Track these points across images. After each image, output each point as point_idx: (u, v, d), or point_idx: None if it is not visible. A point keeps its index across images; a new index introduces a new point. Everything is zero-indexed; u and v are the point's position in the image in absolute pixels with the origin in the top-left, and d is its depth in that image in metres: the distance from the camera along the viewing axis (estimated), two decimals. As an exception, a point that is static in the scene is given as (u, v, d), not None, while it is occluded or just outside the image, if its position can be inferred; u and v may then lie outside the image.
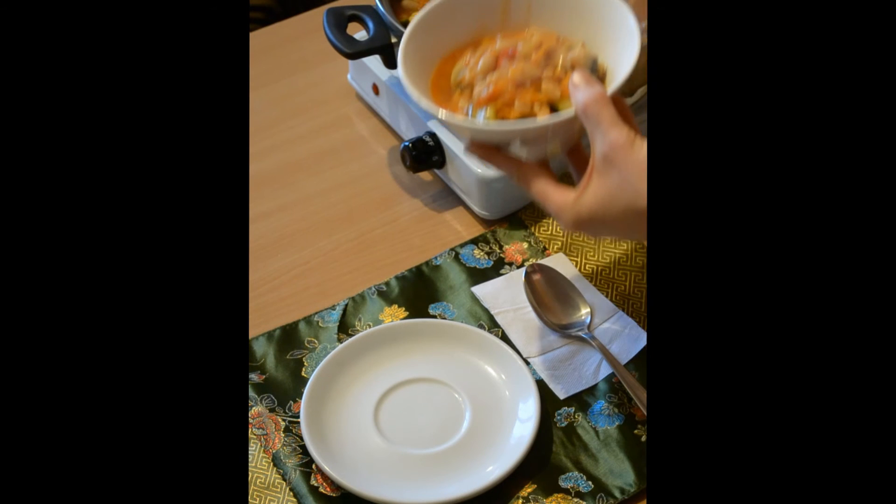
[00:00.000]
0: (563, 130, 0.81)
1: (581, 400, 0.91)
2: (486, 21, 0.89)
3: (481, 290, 0.99)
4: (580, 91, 0.78)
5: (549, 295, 0.97)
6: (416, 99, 0.83)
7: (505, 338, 0.95)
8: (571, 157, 0.85)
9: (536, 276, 0.98)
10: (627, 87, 1.00)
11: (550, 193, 0.81)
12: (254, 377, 0.93)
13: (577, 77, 0.79)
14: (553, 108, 0.82)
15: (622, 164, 0.75)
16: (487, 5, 0.89)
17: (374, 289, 0.99)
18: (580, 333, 0.94)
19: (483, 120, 0.82)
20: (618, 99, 0.80)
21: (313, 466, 0.87)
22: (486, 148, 0.84)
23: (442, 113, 0.82)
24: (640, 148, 0.75)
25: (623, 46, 0.83)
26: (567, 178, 0.85)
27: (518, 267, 1.01)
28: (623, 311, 0.96)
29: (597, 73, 0.83)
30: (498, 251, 1.02)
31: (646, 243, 0.67)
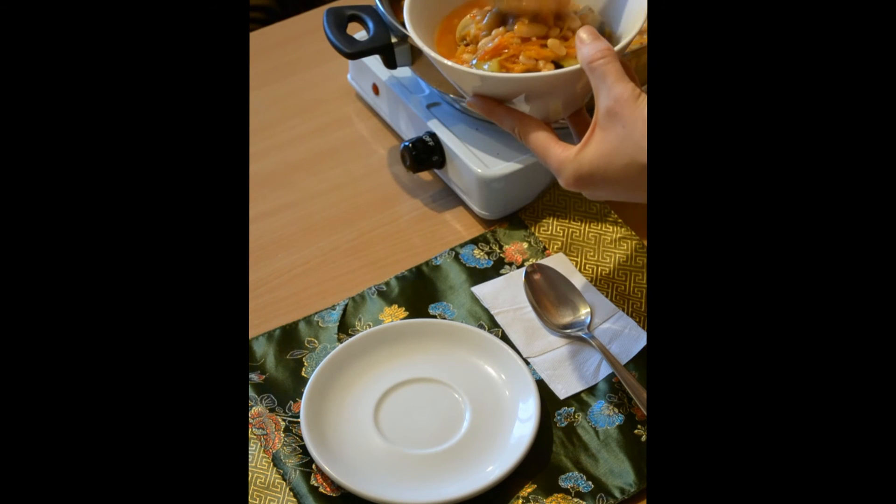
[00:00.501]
0: (568, 85, 0.81)
1: (581, 400, 0.91)
2: None
3: (481, 290, 0.99)
4: (586, 46, 0.78)
5: (549, 295, 0.97)
6: (422, 48, 0.83)
7: (505, 338, 0.95)
8: (573, 120, 0.85)
9: (536, 276, 0.98)
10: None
11: (551, 148, 0.80)
12: (254, 377, 0.93)
13: (583, 33, 0.79)
14: (558, 67, 0.82)
15: (626, 118, 0.74)
16: None
17: (374, 289, 0.99)
18: (580, 333, 0.94)
19: (490, 71, 0.82)
20: (622, 59, 0.79)
21: (313, 466, 0.87)
22: (489, 101, 0.83)
23: (447, 62, 0.82)
24: (645, 103, 0.74)
25: (630, 13, 0.83)
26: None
27: (518, 267, 1.01)
28: (623, 311, 0.96)
29: (603, 34, 0.83)
30: (498, 251, 1.02)
31: (646, 203, 0.66)
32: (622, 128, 0.75)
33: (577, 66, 0.79)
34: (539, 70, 0.81)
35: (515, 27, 0.83)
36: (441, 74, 0.87)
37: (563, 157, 0.79)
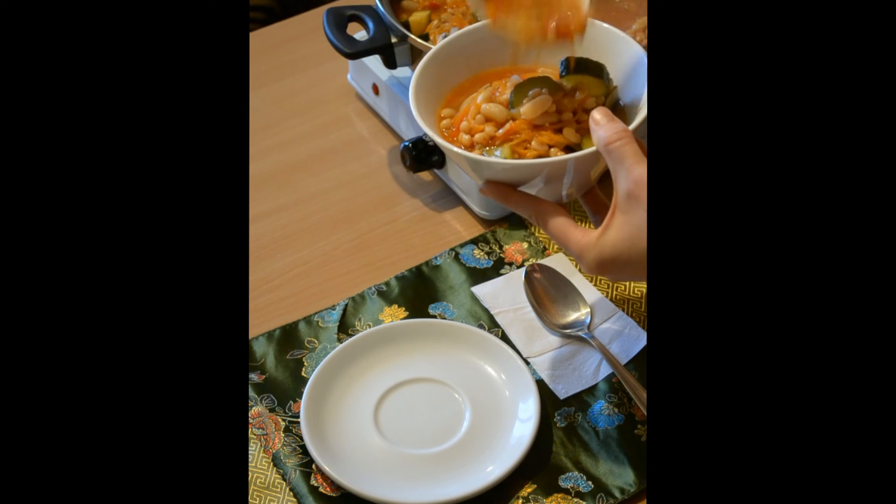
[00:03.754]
0: (584, 168, 0.80)
1: (581, 400, 0.91)
2: (496, 58, 0.88)
3: (481, 290, 0.99)
4: (602, 128, 0.76)
5: (549, 295, 0.97)
6: (431, 136, 0.82)
7: (505, 338, 0.95)
8: (587, 199, 0.83)
9: (536, 276, 0.98)
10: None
11: (571, 233, 0.78)
12: (254, 377, 0.93)
13: (598, 114, 0.78)
14: (569, 150, 0.80)
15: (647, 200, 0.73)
16: (498, 42, 0.87)
17: (374, 289, 0.99)
18: (580, 333, 0.94)
19: (502, 157, 0.81)
20: (638, 139, 0.78)
21: (313, 466, 0.87)
22: (503, 187, 0.81)
23: (458, 151, 0.81)
24: None
25: (637, 84, 0.82)
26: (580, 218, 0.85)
27: (518, 267, 1.01)
28: (623, 311, 0.96)
29: (616, 111, 0.82)
30: (498, 251, 1.02)
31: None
32: (643, 211, 0.73)
33: (593, 148, 0.77)
34: (550, 155, 0.80)
35: (523, 110, 0.81)
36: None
37: (585, 242, 0.77)
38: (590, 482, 0.86)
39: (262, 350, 0.95)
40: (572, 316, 0.96)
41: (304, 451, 0.88)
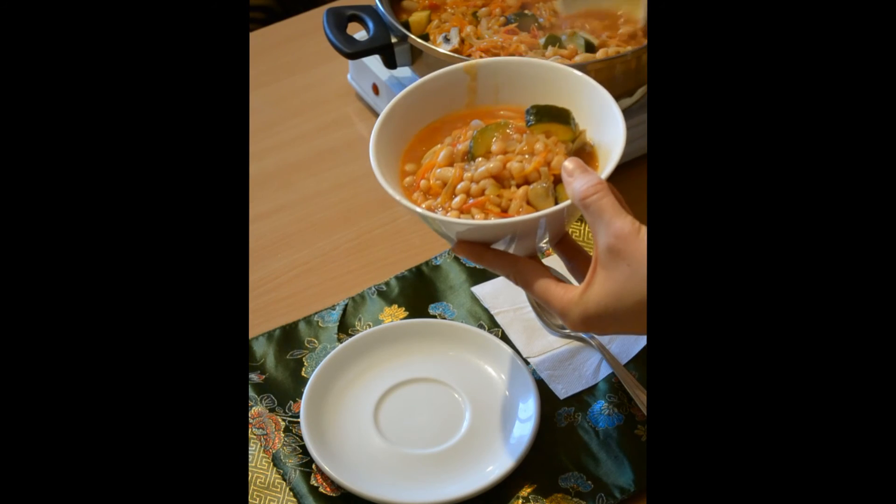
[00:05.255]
0: (557, 222, 0.78)
1: (581, 400, 0.91)
2: (454, 103, 0.86)
3: (481, 289, 0.99)
4: (577, 181, 0.74)
5: (549, 295, 0.97)
6: (393, 195, 0.79)
7: (505, 338, 0.95)
8: (560, 247, 0.81)
9: (536, 276, 0.98)
10: (623, 89, 1.00)
11: (553, 291, 0.76)
12: (254, 377, 0.93)
13: (570, 164, 0.75)
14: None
15: (630, 254, 0.71)
16: (454, 88, 0.86)
17: (373, 289, 0.99)
18: (580, 333, 0.94)
19: (474, 218, 0.78)
20: (614, 190, 0.76)
21: (313, 466, 0.87)
22: (475, 246, 0.78)
23: (427, 213, 0.78)
24: (646, 237, 0.70)
25: (604, 126, 0.80)
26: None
27: (518, 267, 1.00)
28: (623, 311, 0.96)
29: (583, 155, 0.80)
30: (498, 251, 1.02)
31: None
32: (627, 266, 0.71)
33: (567, 202, 0.75)
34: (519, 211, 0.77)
35: (490, 168, 0.79)
36: None
37: (567, 299, 0.75)
38: (590, 482, 0.86)
39: (262, 350, 0.95)
40: (572, 316, 0.95)
41: (304, 451, 0.88)
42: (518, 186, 0.79)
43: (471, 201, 0.79)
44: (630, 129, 0.81)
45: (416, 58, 1.05)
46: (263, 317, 0.98)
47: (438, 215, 0.78)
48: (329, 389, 0.91)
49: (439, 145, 0.83)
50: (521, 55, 1.02)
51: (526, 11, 1.07)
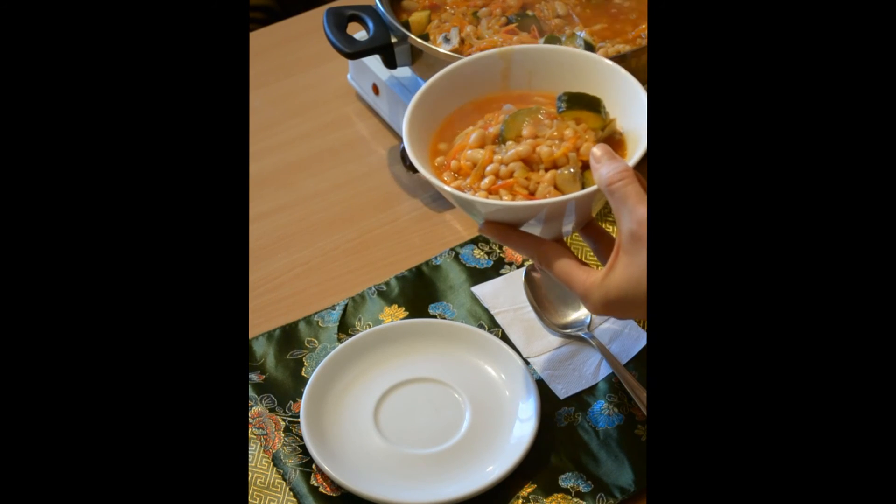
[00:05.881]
0: (584, 207, 0.79)
1: (581, 400, 0.91)
2: (487, 87, 0.87)
3: (481, 289, 0.99)
4: (603, 167, 0.75)
5: (549, 295, 0.97)
6: (425, 175, 0.80)
7: (505, 338, 0.95)
8: (587, 231, 0.82)
9: (536, 276, 0.98)
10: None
11: (576, 274, 0.77)
12: (254, 377, 0.93)
13: (598, 150, 0.77)
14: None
15: None
16: (488, 72, 0.87)
17: (374, 289, 0.99)
18: (580, 333, 0.94)
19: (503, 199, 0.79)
20: (638, 175, 0.77)
21: (313, 466, 0.87)
22: (502, 227, 0.80)
23: (457, 192, 0.80)
24: None
25: (634, 115, 0.81)
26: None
27: (518, 267, 1.01)
28: (623, 311, 0.96)
29: (613, 143, 0.81)
30: (498, 251, 1.02)
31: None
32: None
33: (594, 188, 0.76)
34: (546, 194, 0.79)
35: (520, 151, 0.80)
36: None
37: (589, 283, 0.76)
38: (590, 482, 0.86)
39: (262, 350, 0.95)
40: (572, 316, 0.96)
41: (304, 451, 0.88)
42: (546, 171, 0.80)
43: (499, 182, 0.80)
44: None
45: (417, 58, 1.05)
46: (263, 317, 0.98)
47: (468, 195, 0.80)
48: (329, 389, 0.91)
49: (471, 127, 0.84)
50: None
51: (527, 12, 1.08)
